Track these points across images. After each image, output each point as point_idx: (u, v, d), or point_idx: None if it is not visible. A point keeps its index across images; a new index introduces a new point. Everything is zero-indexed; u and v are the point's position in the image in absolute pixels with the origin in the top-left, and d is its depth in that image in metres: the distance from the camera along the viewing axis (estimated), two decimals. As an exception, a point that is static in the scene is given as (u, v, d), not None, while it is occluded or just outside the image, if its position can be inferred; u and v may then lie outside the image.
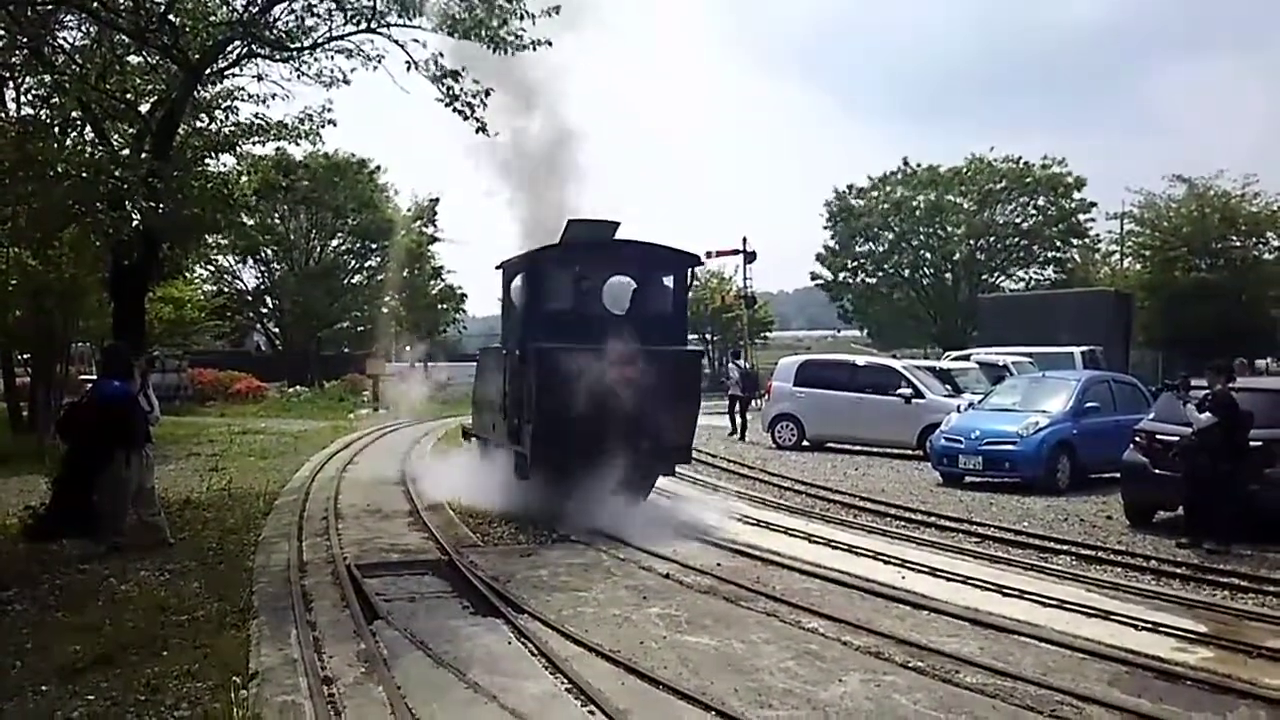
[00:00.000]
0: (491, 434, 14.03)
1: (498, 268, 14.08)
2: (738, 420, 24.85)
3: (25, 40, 11.48)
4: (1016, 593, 8.71)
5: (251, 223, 19.87)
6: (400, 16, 12.05)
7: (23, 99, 13.94)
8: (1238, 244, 42.82)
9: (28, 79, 12.91)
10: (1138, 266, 46.95)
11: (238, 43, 12.47)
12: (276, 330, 50.12)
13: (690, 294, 14.76)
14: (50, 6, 11.22)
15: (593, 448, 11.74)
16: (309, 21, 12.62)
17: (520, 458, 12.49)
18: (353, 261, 49.91)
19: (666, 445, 12.65)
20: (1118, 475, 13.01)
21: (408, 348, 55.75)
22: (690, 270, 14.01)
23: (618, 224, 13.55)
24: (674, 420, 12.52)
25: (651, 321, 12.96)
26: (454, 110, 12.48)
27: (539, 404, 12.05)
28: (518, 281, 13.43)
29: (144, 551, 10.19)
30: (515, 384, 12.70)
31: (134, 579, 9.12)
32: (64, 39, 12.49)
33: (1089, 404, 15.91)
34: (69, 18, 12.15)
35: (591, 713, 5.78)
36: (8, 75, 12.92)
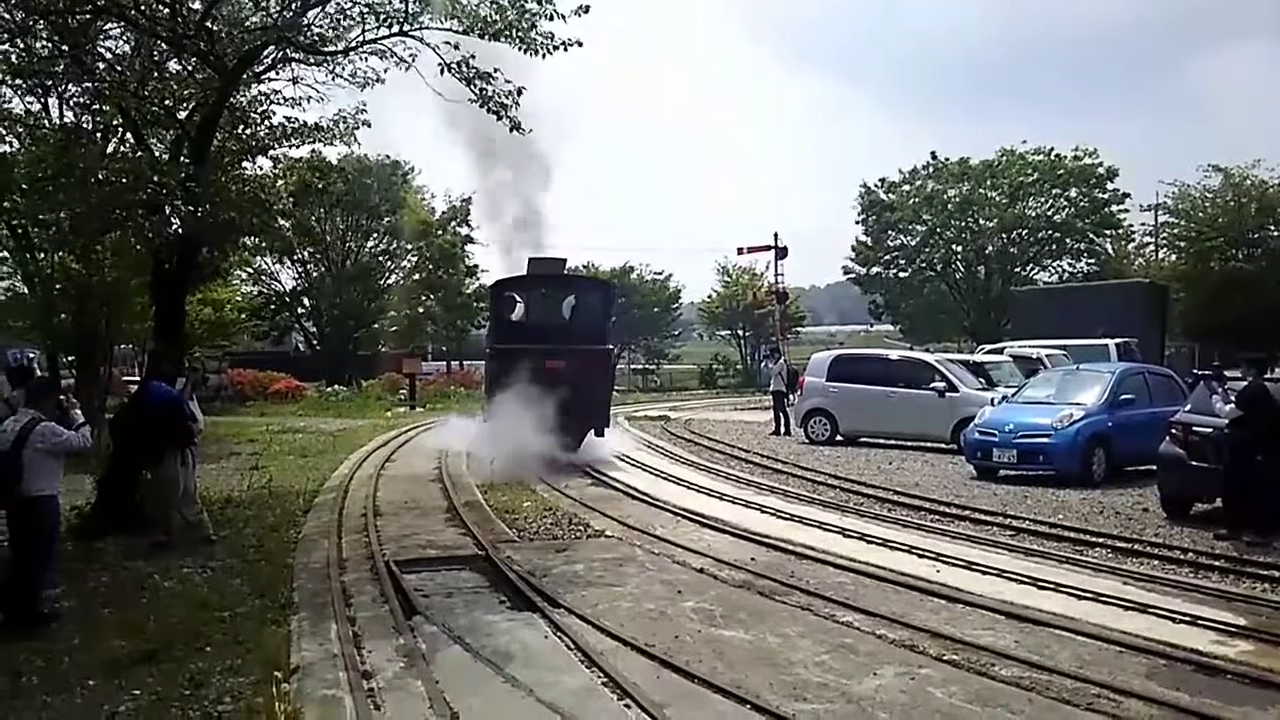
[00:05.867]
0: (486, 410, 19.29)
1: (487, 289, 21.05)
2: (782, 417, 24.84)
3: (67, 49, 11.68)
4: (1052, 586, 8.68)
5: (288, 225, 20.06)
6: (433, 20, 12.14)
7: (65, 106, 14.16)
8: (1276, 234, 42.11)
9: (70, 87, 13.10)
10: (1173, 258, 46.32)
11: (273, 47, 12.59)
12: (314, 330, 50.56)
13: (611, 310, 21.74)
14: (90, 15, 11.40)
15: (537, 417, 16.22)
16: (342, 25, 12.74)
17: (492, 425, 17.86)
18: (389, 262, 50.26)
19: (589, 415, 17.77)
20: (1154, 468, 12.90)
21: (444, 347, 56.17)
22: (610, 293, 22.18)
23: (565, 260, 20.87)
24: (594, 398, 17.75)
25: (585, 329, 18.93)
26: (487, 111, 12.57)
27: (497, 388, 17.39)
28: (498, 299, 20.16)
29: (187, 549, 10.38)
30: (489, 374, 19.27)
31: (177, 576, 9.31)
32: (105, 47, 12.68)
33: (1124, 396, 15.77)
34: (110, 26, 12.34)
35: (627, 706, 5.84)
36: (50, 83, 13.13)
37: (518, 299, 20.04)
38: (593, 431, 18.43)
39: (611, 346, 21.55)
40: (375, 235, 49.05)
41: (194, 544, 10.58)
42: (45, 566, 8.01)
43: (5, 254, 20.32)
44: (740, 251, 57.37)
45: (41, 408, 8.06)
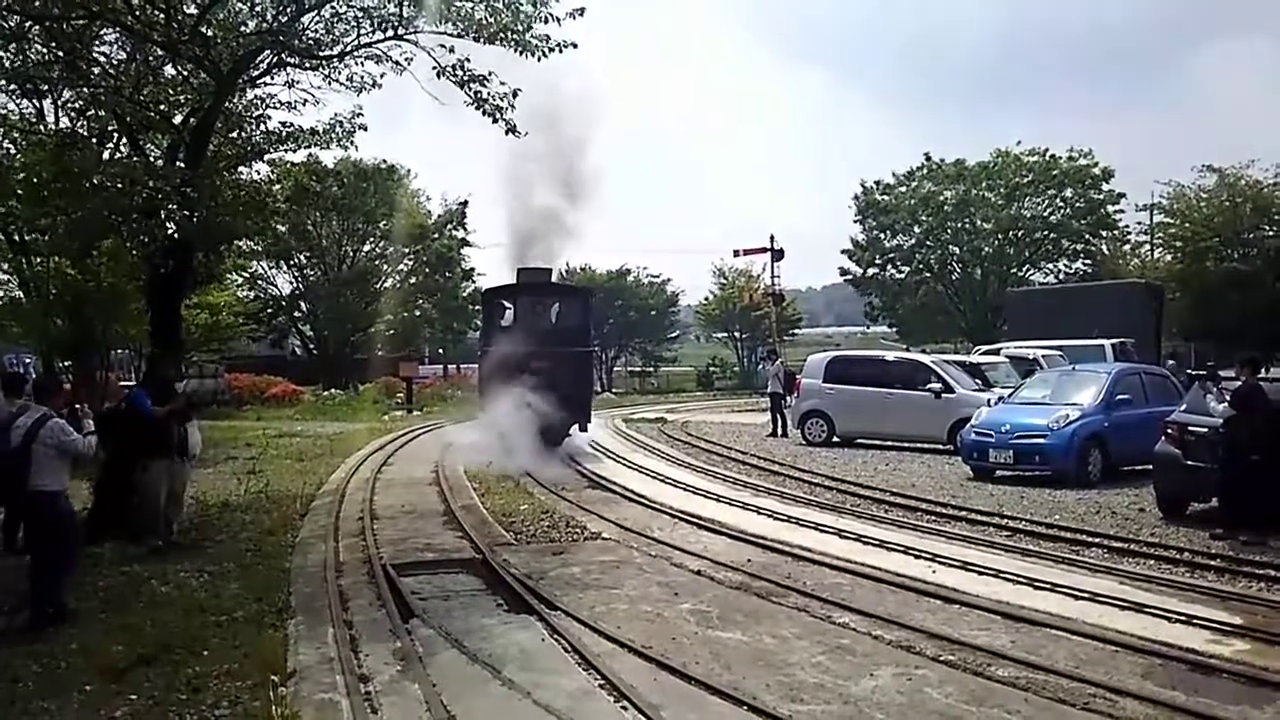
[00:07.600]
0: (480, 407, 21.02)
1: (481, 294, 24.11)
2: (779, 418, 24.83)
3: (63, 54, 11.70)
4: (1048, 586, 8.68)
5: (284, 228, 20.22)
6: (427, 23, 12.18)
7: (61, 112, 14.19)
8: (1271, 233, 42.16)
9: (66, 92, 13.13)
10: (1168, 258, 46.37)
11: (268, 52, 12.61)
12: (311, 334, 50.53)
13: (591, 313, 24.38)
14: (85, 21, 11.42)
15: (525, 413, 18.01)
16: (338, 29, 12.77)
17: (486, 421, 19.66)
18: (385, 266, 50.25)
19: (572, 411, 19.36)
20: (1150, 467, 12.92)
21: (440, 350, 56.12)
22: (590, 299, 25.04)
23: (551, 269, 23.03)
24: (577, 395, 19.71)
25: (568, 332, 21.08)
26: (483, 113, 12.59)
27: (487, 385, 19.69)
28: (489, 305, 22.73)
29: (183, 553, 10.38)
30: (481, 375, 21.44)
31: (174, 580, 9.30)
32: (100, 53, 12.70)
33: (1120, 396, 15.78)
34: (105, 32, 12.36)
35: (624, 708, 5.84)
36: (46, 89, 13.17)
37: (507, 305, 21.94)
38: (576, 426, 20.02)
39: (592, 348, 24.38)
40: (371, 239, 49.04)
41: (190, 548, 10.59)
42: (67, 561, 8.19)
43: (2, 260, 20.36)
44: (737, 254, 57.37)
45: (50, 404, 8.18)
